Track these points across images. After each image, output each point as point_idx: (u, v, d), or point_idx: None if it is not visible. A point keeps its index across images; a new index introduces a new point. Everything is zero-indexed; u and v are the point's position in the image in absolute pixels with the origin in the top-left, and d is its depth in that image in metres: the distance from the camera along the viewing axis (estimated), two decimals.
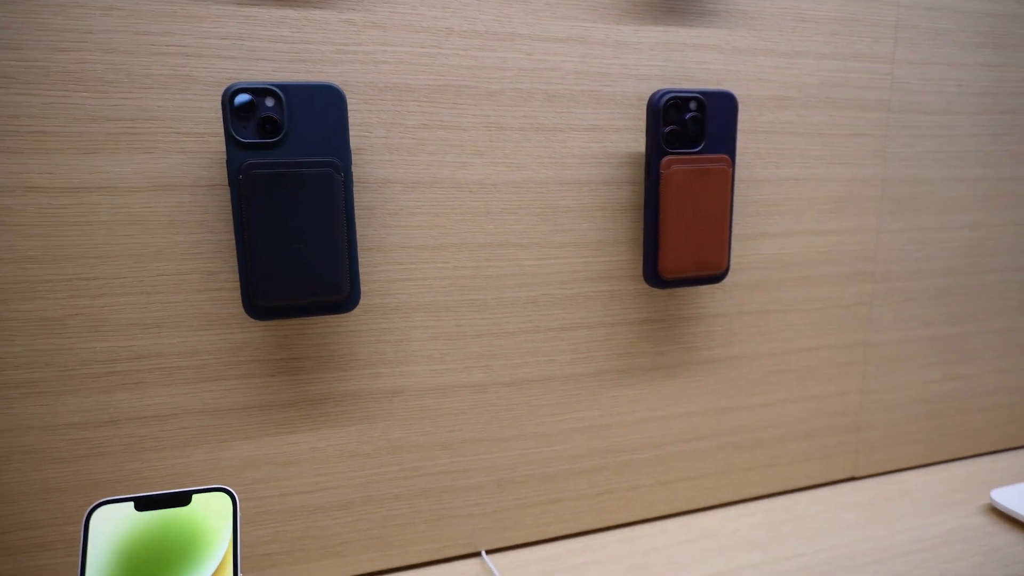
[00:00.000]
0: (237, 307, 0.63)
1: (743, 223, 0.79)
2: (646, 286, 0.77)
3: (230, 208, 0.61)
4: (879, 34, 0.80)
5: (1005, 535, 0.80)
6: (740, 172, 0.78)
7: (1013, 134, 0.90)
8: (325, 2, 0.61)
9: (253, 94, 0.55)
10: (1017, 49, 0.88)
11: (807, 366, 0.88)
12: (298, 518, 0.70)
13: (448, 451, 0.73)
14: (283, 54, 0.60)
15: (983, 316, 0.95)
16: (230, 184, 0.56)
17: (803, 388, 0.88)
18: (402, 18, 0.63)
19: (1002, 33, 0.86)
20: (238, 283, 0.62)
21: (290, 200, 0.57)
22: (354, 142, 0.64)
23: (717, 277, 0.74)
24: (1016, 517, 0.82)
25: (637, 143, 0.73)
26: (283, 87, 0.56)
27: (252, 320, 0.64)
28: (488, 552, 0.78)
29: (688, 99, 0.70)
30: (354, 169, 0.64)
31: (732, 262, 0.80)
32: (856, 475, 0.94)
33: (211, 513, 0.49)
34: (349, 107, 0.63)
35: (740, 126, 0.77)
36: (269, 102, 0.56)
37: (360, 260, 0.66)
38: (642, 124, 0.72)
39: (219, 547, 0.48)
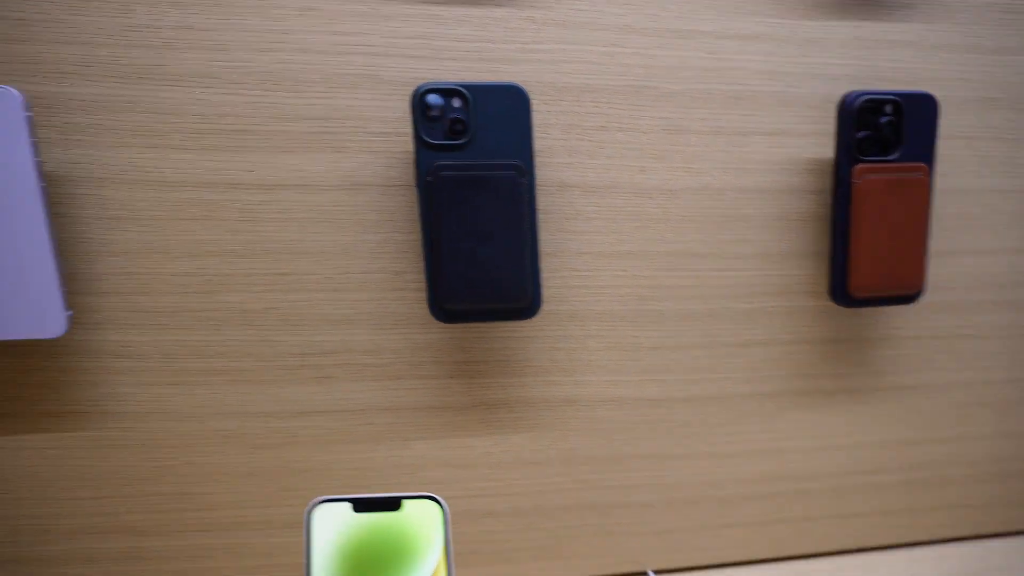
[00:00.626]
0: (421, 308, 0.63)
1: (939, 238, 0.72)
2: (830, 303, 0.71)
3: (416, 209, 0.61)
4: None
5: None
6: (938, 182, 0.71)
7: None
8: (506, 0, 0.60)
9: (442, 95, 0.55)
10: None
11: (1005, 399, 0.78)
12: (471, 521, 0.68)
13: (619, 465, 0.70)
14: (466, 53, 0.60)
15: None
16: (417, 185, 0.56)
17: (1000, 424, 0.78)
18: (583, 15, 0.61)
19: None
20: (422, 284, 0.62)
21: (477, 203, 0.56)
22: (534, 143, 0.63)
23: (911, 297, 0.67)
24: None
25: (823, 149, 0.67)
26: (470, 87, 0.56)
27: (434, 321, 0.63)
28: (655, 573, 0.73)
29: (884, 102, 0.64)
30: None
31: (926, 281, 0.73)
32: None
33: (422, 520, 0.48)
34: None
35: (939, 131, 0.70)
36: (456, 103, 0.55)
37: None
38: (829, 128, 0.67)
39: (431, 554, 0.47)
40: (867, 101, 0.63)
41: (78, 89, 0.55)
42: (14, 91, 0.51)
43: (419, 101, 0.54)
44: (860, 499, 0.75)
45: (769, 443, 0.72)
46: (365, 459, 0.65)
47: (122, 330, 0.60)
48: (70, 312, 0.55)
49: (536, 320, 0.64)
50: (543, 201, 0.63)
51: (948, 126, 0.69)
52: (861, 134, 0.63)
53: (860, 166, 0.63)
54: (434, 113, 0.54)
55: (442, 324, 0.63)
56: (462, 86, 0.55)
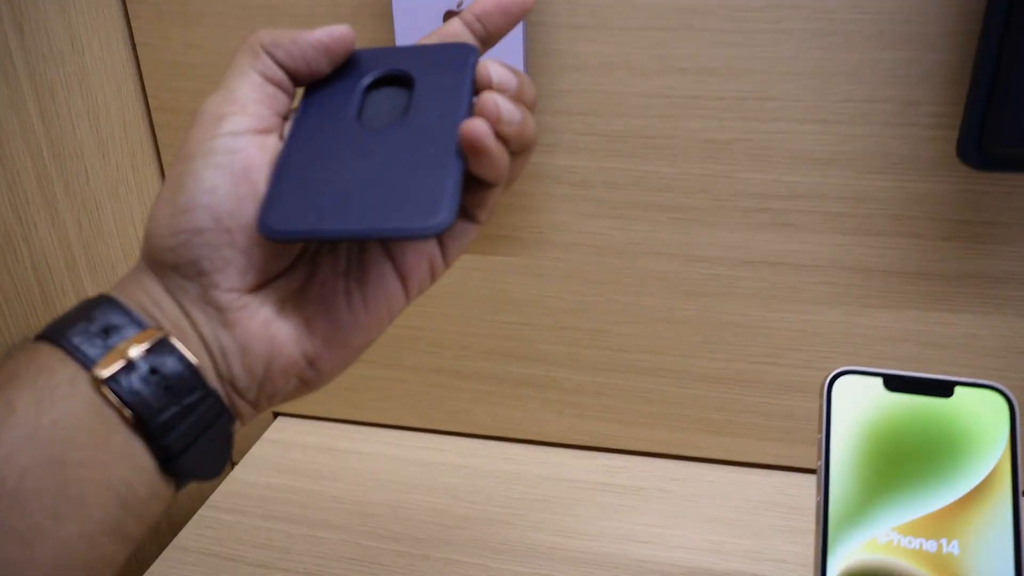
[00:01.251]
0: (932, 149, 0.49)
1: None
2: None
3: (958, 16, 0.45)
4: None
5: None
6: None
7: None
8: None
9: None
10: None
11: None
12: None
13: None
14: None
15: None
16: None
17: None
18: None
19: None
20: (944, 119, 0.47)
21: None
22: None
23: None
24: None
25: None
26: None
27: (946, 170, 0.49)
28: None
29: None
30: None
31: None
32: None
33: (980, 415, 0.37)
34: None
35: None
36: None
37: None
38: None
39: (988, 456, 0.37)
40: None
41: None
42: None
43: None
44: None
45: None
46: (810, 322, 0.55)
47: (569, 154, 0.53)
48: None
49: None
50: None
51: None
52: None
53: None
54: None
55: (961, 173, 0.48)
56: None
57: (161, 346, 0.27)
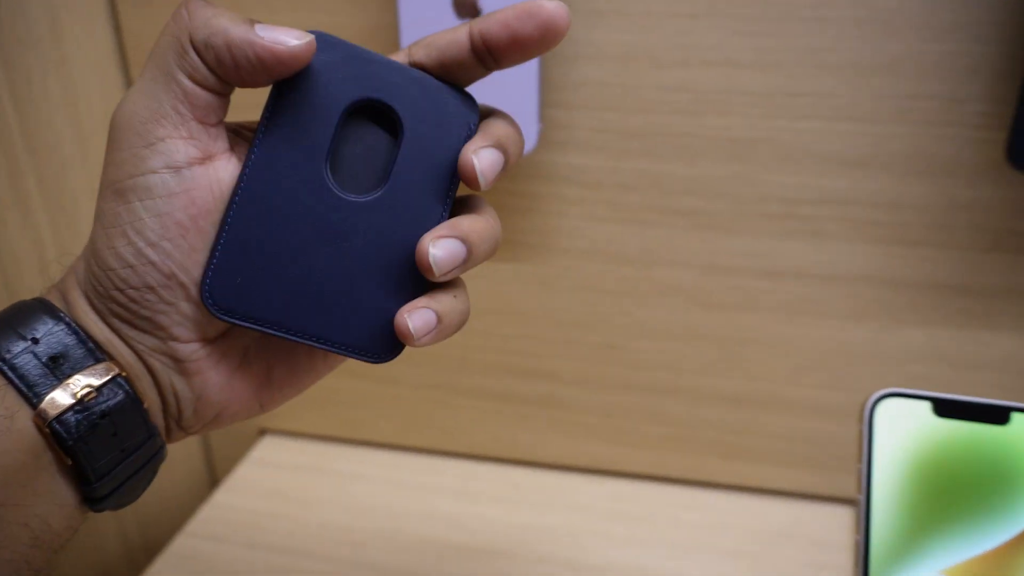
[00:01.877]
0: (978, 151, 0.44)
1: None
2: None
3: (1010, 3, 0.40)
4: None
5: None
6: None
7: None
8: None
9: None
10: None
11: None
12: None
13: None
14: None
15: None
16: None
17: None
18: None
19: None
20: (989, 118, 0.43)
21: None
22: None
23: None
24: None
25: None
26: None
27: (992, 174, 0.44)
28: None
29: None
30: None
31: None
32: None
33: None
34: None
35: None
36: None
37: None
38: None
39: None
40: None
41: None
42: None
43: None
44: None
45: None
46: (836, 339, 0.50)
47: (583, 152, 0.48)
48: (541, 126, 0.43)
49: None
50: None
51: None
52: None
53: None
54: None
55: (1009, 178, 0.43)
56: None
57: (114, 385, 0.25)
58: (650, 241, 0.50)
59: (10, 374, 0.24)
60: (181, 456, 0.66)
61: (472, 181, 0.26)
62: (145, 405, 0.26)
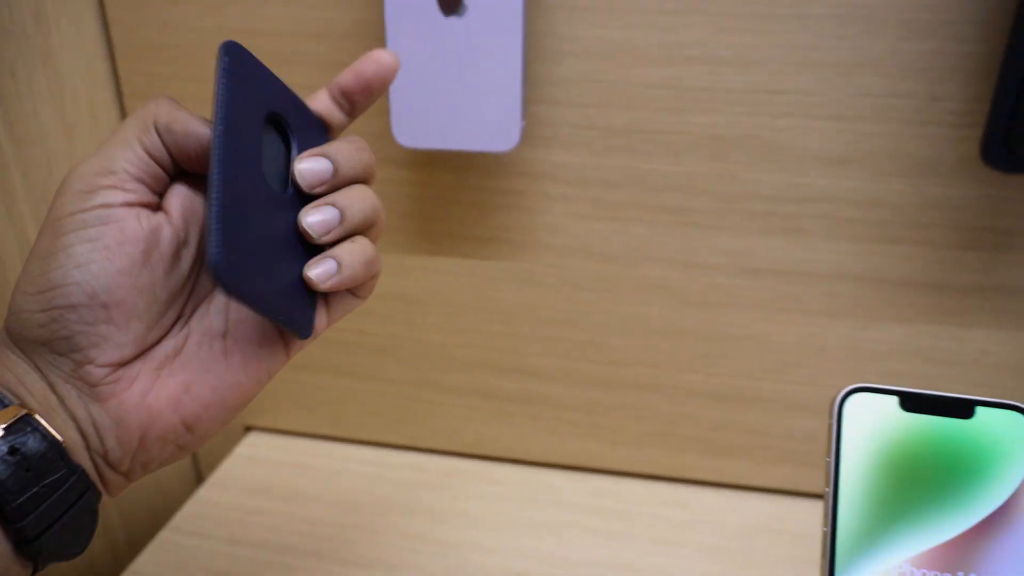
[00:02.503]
0: (954, 150, 0.43)
1: None
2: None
3: (988, 3, 0.40)
4: None
5: None
6: None
7: None
8: None
9: None
10: None
11: None
12: None
13: None
14: None
15: None
16: None
17: None
18: None
19: None
20: (971, 116, 0.42)
21: None
22: None
23: None
24: None
25: None
26: None
27: (967, 172, 0.44)
28: None
29: None
30: None
31: None
32: None
33: (1001, 437, 0.32)
34: None
35: None
36: None
37: None
38: None
39: (1009, 481, 0.32)
40: None
41: None
42: None
43: None
44: None
45: None
46: (815, 335, 0.49)
47: (568, 149, 0.47)
48: (523, 123, 0.42)
49: None
50: None
51: None
52: None
53: None
54: None
55: (984, 176, 0.43)
56: None
57: (22, 423, 0.25)
58: (633, 238, 0.49)
59: None
60: None
61: (298, 183, 0.29)
62: (64, 442, 0.26)
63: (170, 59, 0.49)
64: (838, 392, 0.33)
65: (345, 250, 0.29)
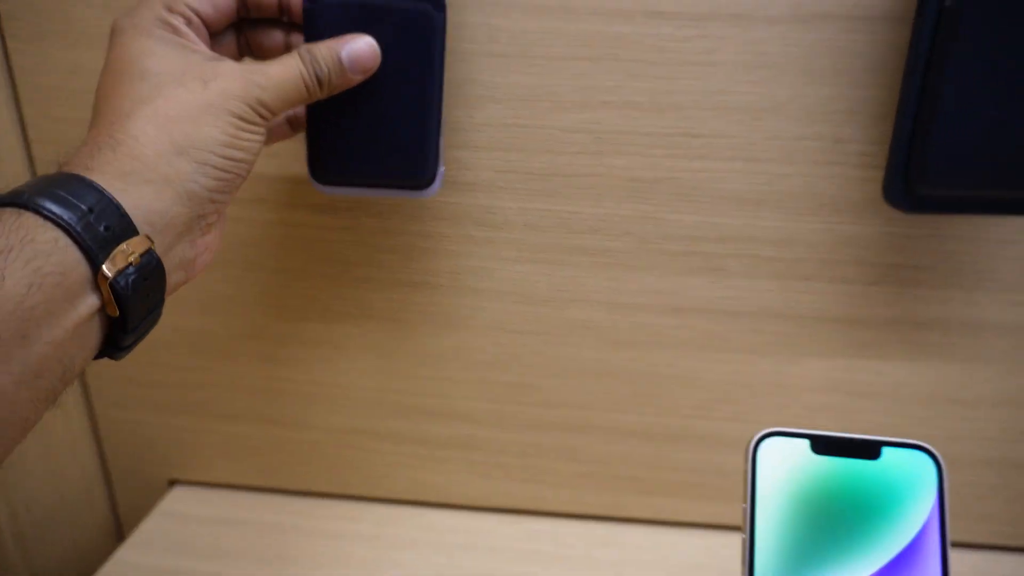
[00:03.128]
0: (859, 190, 0.44)
1: None
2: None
3: (884, 53, 0.41)
4: None
5: None
6: None
7: None
8: None
9: None
10: None
11: None
12: None
13: None
14: None
15: None
16: (920, 12, 0.36)
17: None
18: None
19: None
20: (872, 157, 0.43)
21: (1017, 42, 0.35)
22: None
23: None
24: None
25: None
26: None
27: (873, 211, 0.44)
28: None
29: None
30: None
31: None
32: None
33: (908, 476, 0.32)
34: None
35: None
36: None
37: None
38: None
39: (917, 518, 0.32)
40: None
41: None
42: None
43: None
44: None
45: None
46: (740, 372, 0.49)
47: (489, 193, 0.46)
48: (443, 169, 0.41)
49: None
50: None
51: None
52: None
53: None
54: None
55: (887, 215, 0.43)
56: None
57: (149, 255, 0.29)
58: (559, 280, 0.48)
59: (79, 237, 0.27)
60: (85, 508, 0.60)
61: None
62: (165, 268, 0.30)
63: (79, 104, 0.47)
64: (752, 436, 0.33)
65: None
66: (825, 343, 0.48)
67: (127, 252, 0.28)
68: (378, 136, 0.39)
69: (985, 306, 0.46)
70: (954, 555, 0.31)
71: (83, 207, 0.27)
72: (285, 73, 0.33)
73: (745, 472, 0.33)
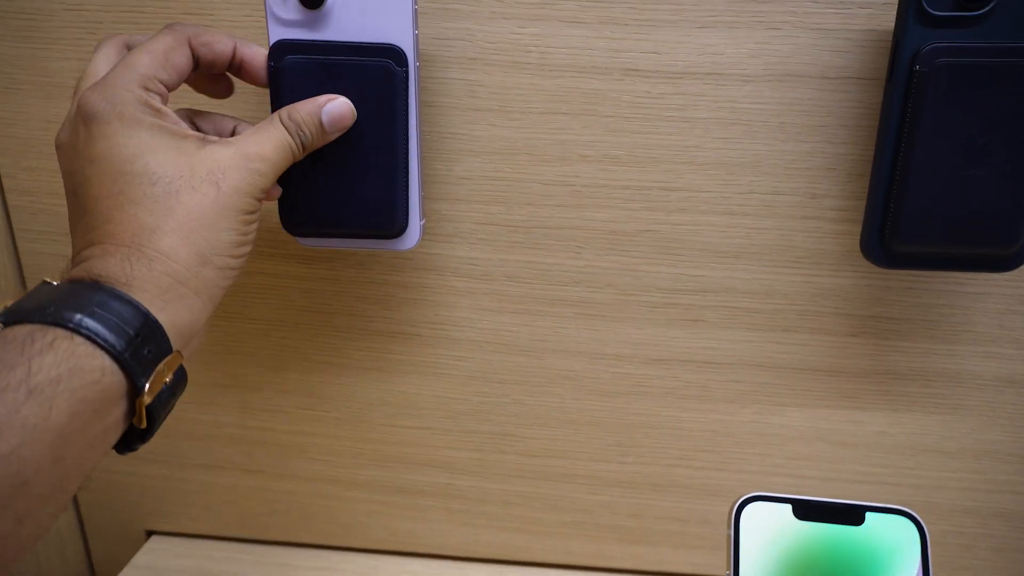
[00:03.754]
0: (836, 243, 0.43)
1: None
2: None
3: (858, 111, 0.41)
4: None
5: None
6: None
7: None
8: None
9: None
10: None
11: None
12: None
13: None
14: None
15: None
16: (891, 76, 0.36)
17: None
18: None
19: None
20: (847, 212, 0.43)
21: (984, 106, 0.35)
22: None
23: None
24: None
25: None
26: None
27: (850, 264, 0.44)
28: None
29: None
30: None
31: None
32: None
33: (891, 542, 0.31)
34: None
35: None
36: None
37: None
38: None
39: None
40: None
41: None
42: None
43: None
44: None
45: None
46: (722, 422, 0.48)
47: (470, 245, 0.45)
48: (423, 221, 0.40)
49: (997, 278, 0.43)
50: None
51: None
52: None
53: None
54: None
55: (859, 271, 0.43)
56: None
57: (180, 371, 0.30)
58: (539, 330, 0.47)
59: (127, 364, 0.27)
60: (57, 562, 0.57)
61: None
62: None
63: (54, 154, 0.46)
64: (735, 500, 0.32)
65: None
66: (806, 393, 0.47)
67: (163, 373, 0.29)
68: (348, 187, 0.38)
69: (964, 358, 0.45)
70: None
71: (131, 332, 0.27)
72: (278, 150, 0.33)
73: (728, 537, 0.32)
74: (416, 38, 0.37)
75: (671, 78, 0.41)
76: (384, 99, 0.37)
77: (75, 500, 0.57)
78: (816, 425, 0.48)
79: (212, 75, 0.37)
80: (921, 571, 0.31)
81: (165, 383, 0.29)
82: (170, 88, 0.33)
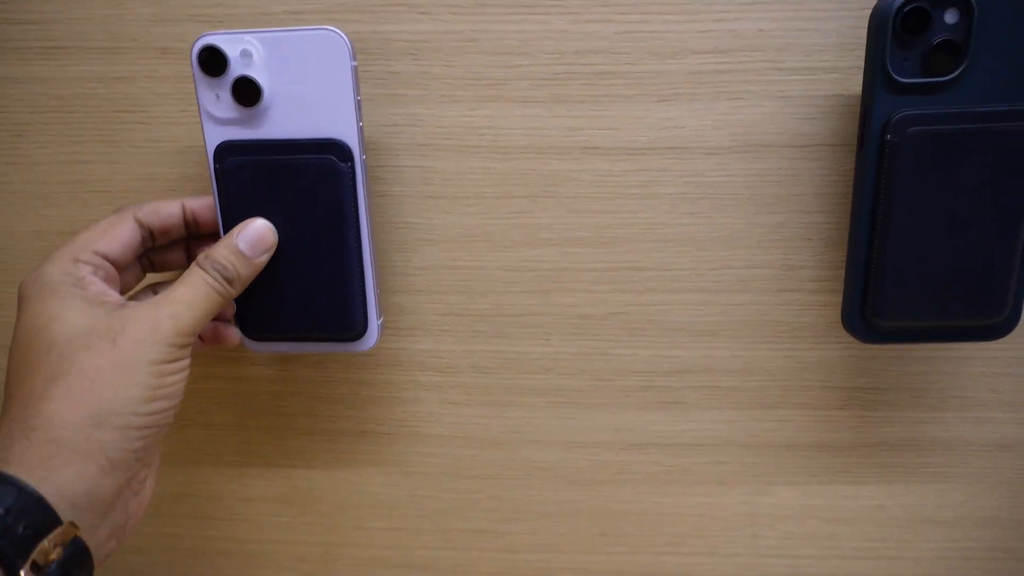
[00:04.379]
0: (817, 315, 0.40)
1: None
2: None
3: (830, 178, 0.38)
4: None
5: None
6: None
7: None
8: None
9: (932, 3, 0.32)
10: None
11: None
12: None
13: None
14: None
15: None
16: (861, 145, 0.34)
17: None
18: None
19: None
20: (823, 283, 0.40)
21: (959, 173, 0.33)
22: None
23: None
24: None
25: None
26: None
27: (833, 336, 0.41)
28: None
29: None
30: None
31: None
32: None
33: None
34: None
35: None
36: (950, 17, 0.32)
37: None
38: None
39: None
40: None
41: (404, 27, 0.37)
42: (341, 35, 0.33)
43: (896, 14, 0.31)
44: None
45: None
46: (709, 504, 0.44)
47: (432, 337, 0.42)
48: (382, 319, 0.37)
49: (989, 345, 0.40)
50: None
51: None
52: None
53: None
54: (912, 34, 0.32)
55: (848, 338, 0.40)
56: None
57: (72, 544, 0.26)
58: (511, 422, 0.44)
59: None
60: None
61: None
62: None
63: None
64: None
65: None
66: (796, 470, 0.44)
67: (47, 551, 0.25)
68: (302, 291, 0.36)
69: (954, 424, 0.42)
70: None
71: (0, 510, 0.25)
72: (193, 292, 0.30)
73: None
74: (360, 130, 0.34)
75: (632, 154, 0.38)
76: (331, 196, 0.34)
77: None
78: (808, 502, 0.44)
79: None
80: None
81: (52, 561, 0.25)
82: (115, 260, 0.32)
